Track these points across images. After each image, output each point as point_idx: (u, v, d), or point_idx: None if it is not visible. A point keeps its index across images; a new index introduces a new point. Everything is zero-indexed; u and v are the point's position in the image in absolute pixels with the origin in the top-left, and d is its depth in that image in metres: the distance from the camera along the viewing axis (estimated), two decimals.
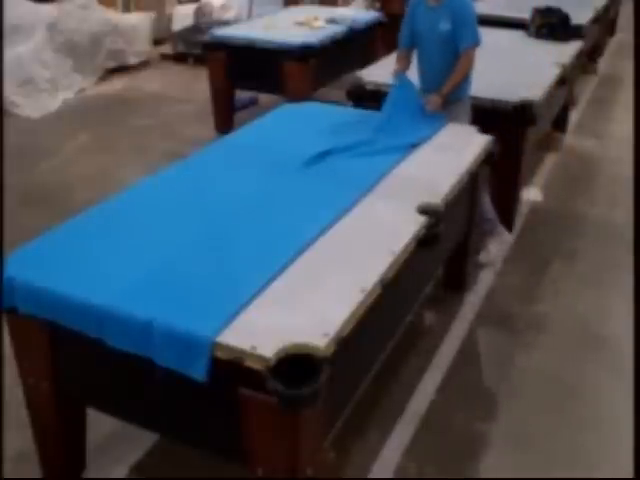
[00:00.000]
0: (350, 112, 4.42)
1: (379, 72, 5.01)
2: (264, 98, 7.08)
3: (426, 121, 3.91)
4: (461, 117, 4.18)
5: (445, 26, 4.04)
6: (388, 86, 4.76)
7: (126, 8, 9.28)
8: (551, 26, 6.07)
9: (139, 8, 9.29)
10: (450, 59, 4.10)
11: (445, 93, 4.06)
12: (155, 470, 2.89)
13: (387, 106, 3.97)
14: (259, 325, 2.14)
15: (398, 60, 4.31)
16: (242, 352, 2.04)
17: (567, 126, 6.61)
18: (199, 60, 8.05)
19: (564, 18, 6.11)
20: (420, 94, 4.23)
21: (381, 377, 3.02)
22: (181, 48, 8.93)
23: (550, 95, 4.88)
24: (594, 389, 3.41)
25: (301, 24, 6.64)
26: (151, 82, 8.23)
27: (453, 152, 3.55)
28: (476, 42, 4.08)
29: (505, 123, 4.35)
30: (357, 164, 3.36)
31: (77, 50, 7.77)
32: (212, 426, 2.30)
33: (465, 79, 4.15)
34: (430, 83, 4.20)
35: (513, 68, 5.23)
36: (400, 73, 4.19)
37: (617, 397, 3.32)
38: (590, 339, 3.77)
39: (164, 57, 9.10)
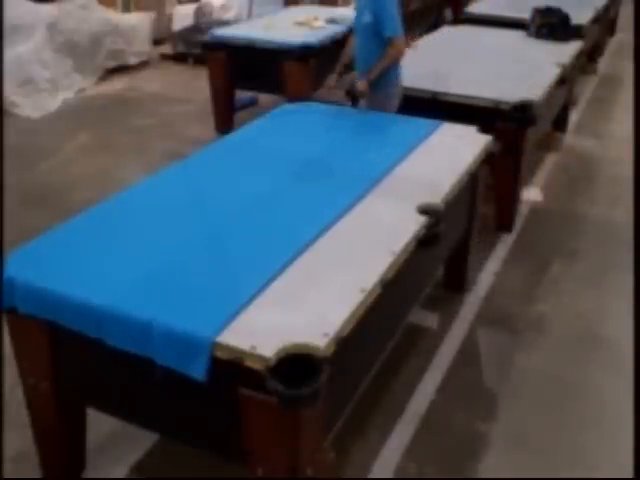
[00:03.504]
0: (350, 112, 4.42)
1: None
2: (264, 98, 7.08)
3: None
4: (387, 106, 4.37)
5: (367, 17, 4.25)
6: None
7: (126, 8, 9.28)
8: (551, 26, 6.08)
9: (139, 8, 9.29)
10: (372, 49, 4.30)
11: (370, 79, 4.28)
12: (155, 470, 2.89)
13: None
14: (259, 325, 2.14)
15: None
16: (242, 352, 2.04)
17: (567, 126, 6.61)
18: (199, 60, 8.05)
19: (564, 18, 6.12)
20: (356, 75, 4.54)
21: (381, 377, 3.02)
22: (181, 48, 8.93)
23: (550, 95, 4.88)
24: (594, 389, 3.41)
25: (301, 24, 6.64)
26: (151, 82, 8.23)
27: (453, 152, 3.55)
28: (396, 34, 4.26)
29: (505, 123, 4.36)
30: (357, 164, 3.36)
31: (77, 50, 7.77)
32: (212, 426, 2.30)
33: (394, 69, 4.35)
34: (358, 67, 4.45)
35: (513, 68, 5.23)
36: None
37: (617, 397, 3.32)
38: (590, 339, 3.77)
39: (164, 57, 9.10)
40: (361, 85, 4.31)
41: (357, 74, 4.45)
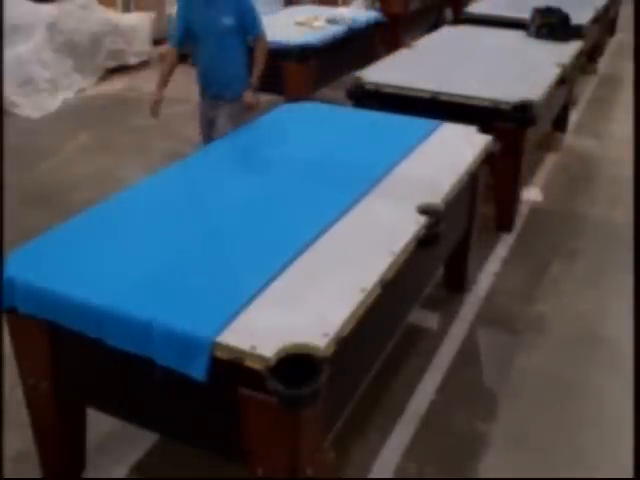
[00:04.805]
0: (350, 112, 4.43)
1: (379, 72, 5.02)
2: (264, 98, 7.07)
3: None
4: (239, 117, 4.17)
5: (228, 20, 4.04)
6: (388, 86, 4.78)
7: (126, 8, 9.28)
8: (551, 26, 6.08)
9: (139, 8, 9.29)
10: (235, 53, 4.14)
11: (256, 86, 4.12)
12: (155, 470, 2.89)
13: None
14: (259, 325, 2.14)
15: (164, 63, 4.32)
16: (242, 352, 2.04)
17: (567, 126, 6.61)
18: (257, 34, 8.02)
19: (564, 18, 6.12)
20: (203, 97, 4.29)
21: (381, 377, 3.02)
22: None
23: (550, 95, 4.88)
24: (594, 389, 3.41)
25: (301, 24, 6.65)
26: (151, 82, 8.14)
27: (453, 152, 3.55)
28: (264, 31, 4.19)
29: (505, 123, 4.36)
30: (357, 164, 3.36)
31: (77, 50, 7.78)
32: (212, 426, 2.30)
33: (243, 75, 4.20)
34: (215, 81, 4.20)
35: (513, 68, 5.23)
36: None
37: (617, 397, 3.32)
38: (590, 339, 3.77)
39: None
40: (250, 97, 4.06)
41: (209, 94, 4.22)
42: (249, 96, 4.13)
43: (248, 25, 4.13)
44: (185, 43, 4.26)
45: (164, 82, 4.38)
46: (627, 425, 2.96)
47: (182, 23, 4.20)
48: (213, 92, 4.29)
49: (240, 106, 4.24)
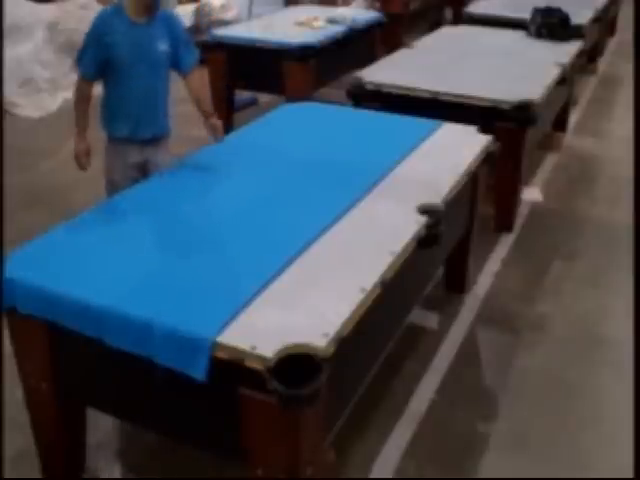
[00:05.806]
0: (350, 112, 4.43)
1: (379, 72, 5.02)
2: (264, 98, 7.08)
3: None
4: (168, 156, 3.70)
5: (163, 46, 3.52)
6: (388, 86, 4.78)
7: None
8: (551, 26, 6.07)
9: None
10: (166, 81, 3.68)
11: (213, 112, 3.63)
12: (155, 470, 2.89)
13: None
14: (259, 325, 2.14)
15: (83, 102, 3.74)
16: (242, 352, 2.04)
17: (567, 126, 6.61)
18: (199, 60, 8.03)
19: (564, 18, 6.12)
20: (125, 144, 3.67)
21: (381, 377, 3.02)
22: None
23: (550, 95, 4.88)
24: (594, 389, 3.41)
25: (301, 24, 6.64)
26: None
27: (453, 152, 3.55)
28: (197, 60, 3.76)
29: (505, 123, 4.36)
30: (357, 164, 3.36)
31: (77, 50, 7.78)
32: (212, 426, 2.30)
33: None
34: (151, 121, 3.63)
35: (513, 68, 5.23)
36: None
37: (617, 397, 3.32)
38: (590, 339, 3.77)
39: None
40: (219, 122, 3.49)
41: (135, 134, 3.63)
42: (217, 123, 3.52)
43: (182, 55, 3.62)
44: (98, 76, 3.69)
45: (85, 125, 3.74)
46: (627, 425, 2.96)
47: (97, 51, 3.57)
48: (148, 134, 3.64)
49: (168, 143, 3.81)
